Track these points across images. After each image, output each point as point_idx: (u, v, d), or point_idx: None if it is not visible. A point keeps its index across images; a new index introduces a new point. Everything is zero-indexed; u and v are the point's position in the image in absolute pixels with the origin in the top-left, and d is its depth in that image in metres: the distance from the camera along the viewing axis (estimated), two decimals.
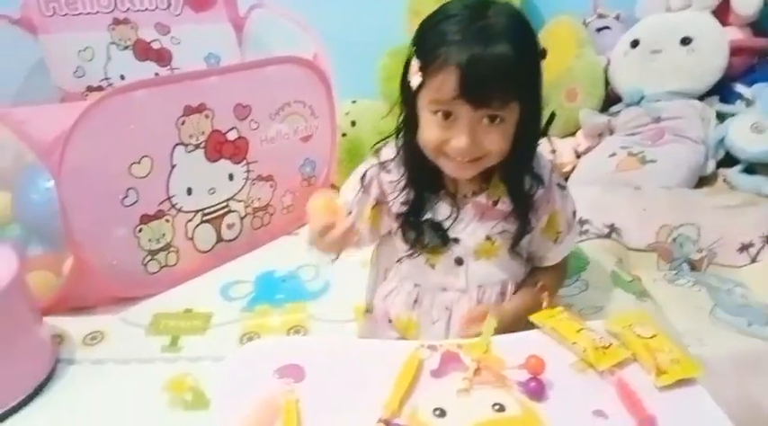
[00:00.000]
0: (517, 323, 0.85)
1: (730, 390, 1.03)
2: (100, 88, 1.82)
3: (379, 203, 0.89)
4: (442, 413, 0.71)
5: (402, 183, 0.86)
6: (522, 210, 0.86)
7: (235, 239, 1.59)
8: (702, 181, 1.65)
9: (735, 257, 1.34)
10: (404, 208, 0.86)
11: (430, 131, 0.78)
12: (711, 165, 1.66)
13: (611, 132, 1.83)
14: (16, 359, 1.13)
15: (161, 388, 1.13)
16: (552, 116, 1.74)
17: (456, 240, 0.87)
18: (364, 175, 0.88)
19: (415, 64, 0.77)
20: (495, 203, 0.86)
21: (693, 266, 1.35)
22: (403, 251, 0.90)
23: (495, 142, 0.77)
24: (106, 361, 1.21)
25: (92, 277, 1.32)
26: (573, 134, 1.85)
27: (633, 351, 0.80)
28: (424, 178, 0.85)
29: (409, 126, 0.82)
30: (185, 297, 1.41)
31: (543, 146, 0.87)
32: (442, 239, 0.86)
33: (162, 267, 1.44)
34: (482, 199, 0.85)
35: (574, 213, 0.92)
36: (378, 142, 0.90)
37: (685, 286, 1.27)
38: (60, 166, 1.22)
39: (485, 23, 0.73)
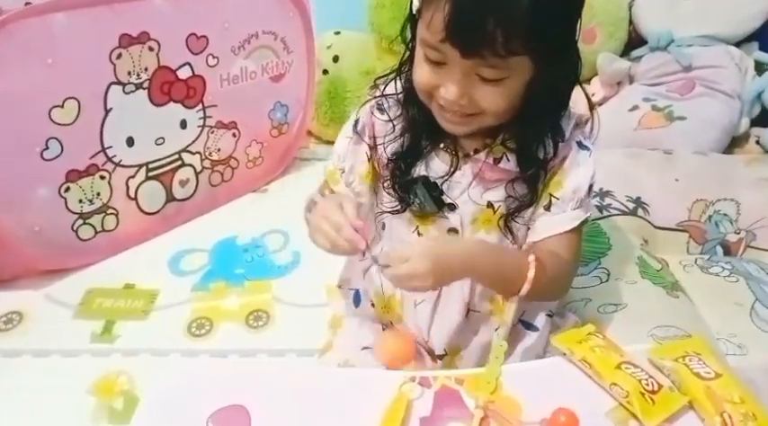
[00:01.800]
0: (464, 269, 0.69)
1: None
2: None
3: (372, 151, 0.78)
4: None
5: (398, 125, 0.75)
6: (532, 175, 0.72)
7: (189, 198, 1.37)
8: (733, 143, 1.45)
9: None
10: (395, 157, 0.75)
11: (421, 71, 0.67)
12: (745, 124, 1.49)
13: (631, 80, 1.61)
14: None
15: (86, 391, 0.93)
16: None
17: (452, 206, 0.74)
18: (357, 121, 0.78)
19: None
20: (498, 160, 0.73)
21: (728, 249, 1.16)
22: (389, 205, 0.78)
23: (492, 100, 0.65)
24: (22, 353, 1.00)
25: (8, 245, 1.10)
26: (588, 81, 1.61)
27: (691, 398, 0.61)
28: (424, 122, 0.72)
29: (413, 57, 0.70)
30: (126, 270, 1.20)
31: None
32: (435, 201, 0.73)
33: (97, 233, 1.21)
34: (482, 155, 0.73)
35: (590, 187, 0.73)
36: (379, 77, 0.78)
37: (720, 275, 1.08)
38: None
39: None
